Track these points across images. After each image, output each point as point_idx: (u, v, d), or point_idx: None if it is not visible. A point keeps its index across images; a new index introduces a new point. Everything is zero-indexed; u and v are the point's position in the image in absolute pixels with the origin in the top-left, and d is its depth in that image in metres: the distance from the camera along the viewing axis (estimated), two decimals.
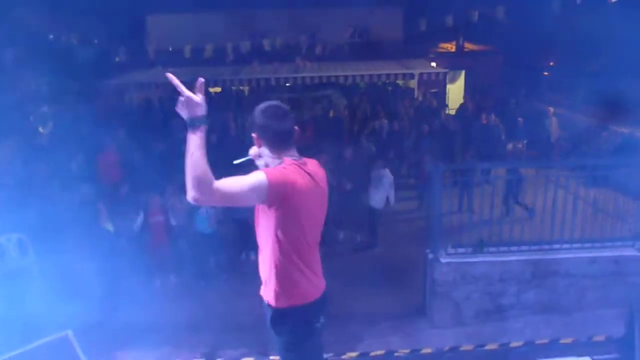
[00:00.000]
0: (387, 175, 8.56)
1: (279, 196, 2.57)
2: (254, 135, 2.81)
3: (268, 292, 2.86)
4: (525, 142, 13.27)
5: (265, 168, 2.74)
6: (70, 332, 4.59)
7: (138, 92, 16.08)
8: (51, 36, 18.18)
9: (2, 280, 7.28)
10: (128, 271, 7.87)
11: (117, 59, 18.58)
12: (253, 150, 2.93)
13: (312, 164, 2.88)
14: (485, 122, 11.55)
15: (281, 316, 2.83)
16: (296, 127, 2.85)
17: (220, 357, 5.77)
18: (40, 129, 14.80)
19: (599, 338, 5.70)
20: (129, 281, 7.57)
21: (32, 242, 7.65)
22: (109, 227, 7.99)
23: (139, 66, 17.49)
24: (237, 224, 8.42)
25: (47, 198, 9.13)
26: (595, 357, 5.30)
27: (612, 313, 5.67)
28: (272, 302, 2.82)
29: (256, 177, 2.55)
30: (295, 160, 2.76)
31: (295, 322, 2.86)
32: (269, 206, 2.60)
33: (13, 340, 5.15)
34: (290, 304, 2.82)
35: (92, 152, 11.38)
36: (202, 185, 2.38)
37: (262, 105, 2.83)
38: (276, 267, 2.76)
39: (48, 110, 16.77)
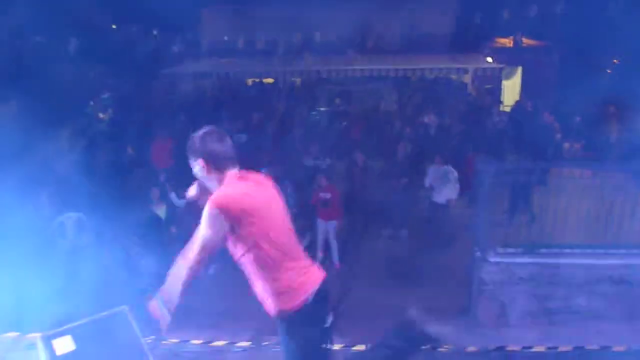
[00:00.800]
0: (452, 171, 8.49)
1: (234, 215, 2.81)
2: (199, 162, 2.99)
3: (270, 308, 3.05)
4: (582, 142, 12.79)
5: (212, 196, 2.92)
6: (126, 308, 4.82)
7: (192, 82, 16.51)
8: (113, 26, 18.91)
9: (62, 258, 7.73)
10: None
11: (173, 49, 19.15)
12: (192, 192, 3.23)
13: (254, 175, 3.12)
14: (539, 120, 11.21)
15: (290, 321, 3.01)
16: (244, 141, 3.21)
17: (267, 342, 5.88)
18: (101, 115, 15.50)
19: None
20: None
21: (89, 223, 8.07)
22: (160, 211, 8.33)
23: (194, 57, 17.93)
24: None
25: (105, 182, 9.62)
26: None
27: None
28: (277, 313, 3.02)
29: (206, 216, 2.80)
30: (240, 174, 3.02)
31: (304, 321, 3.03)
32: (232, 230, 2.83)
33: (71, 315, 5.47)
34: (292, 306, 2.99)
35: (147, 138, 11.85)
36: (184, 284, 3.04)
37: (200, 133, 3.03)
38: (265, 282, 2.96)
39: (108, 97, 17.47)
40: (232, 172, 3.02)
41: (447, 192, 8.51)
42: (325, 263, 8.03)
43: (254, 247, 2.91)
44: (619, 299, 5.96)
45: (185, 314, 6.42)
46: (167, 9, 16.88)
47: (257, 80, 16.94)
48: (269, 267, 2.96)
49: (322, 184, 8.17)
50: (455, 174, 8.51)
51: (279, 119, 13.00)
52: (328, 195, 8.11)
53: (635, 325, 5.84)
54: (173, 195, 8.05)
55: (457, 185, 8.54)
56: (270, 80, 17.21)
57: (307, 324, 3.08)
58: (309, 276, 3.14)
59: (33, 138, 11.40)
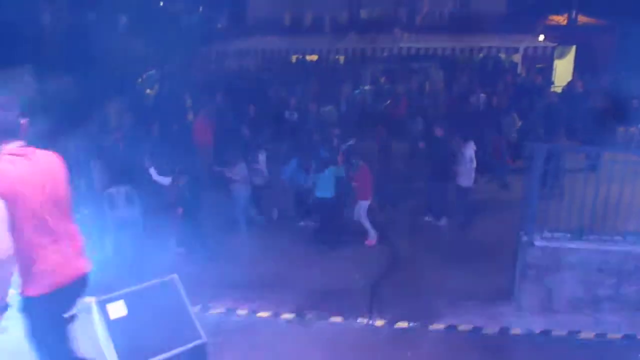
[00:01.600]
0: (469, 149, 8.33)
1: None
2: None
3: (21, 288, 3.04)
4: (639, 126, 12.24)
5: None
6: (175, 276, 4.99)
7: (237, 59, 16.65)
8: (161, 3, 19.18)
9: (112, 228, 8.04)
10: (224, 228, 8.40)
11: (219, 26, 19.32)
12: None
13: (39, 153, 3.07)
14: (591, 102, 10.78)
15: (27, 304, 3.01)
16: (24, 121, 3.05)
17: (311, 315, 5.98)
18: (148, 91, 15.87)
19: None
20: (224, 238, 8.09)
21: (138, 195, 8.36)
22: None
23: (238, 34, 18.03)
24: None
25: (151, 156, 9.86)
26: None
27: None
28: (22, 290, 3.01)
29: None
30: (15, 150, 2.95)
31: (41, 310, 3.03)
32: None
33: (121, 282, 5.71)
34: (41, 291, 2.99)
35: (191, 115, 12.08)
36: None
37: None
38: (22, 260, 2.91)
39: (155, 73, 17.83)
40: (9, 147, 2.96)
41: (466, 174, 8.35)
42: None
43: (16, 223, 2.84)
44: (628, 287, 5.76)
45: (232, 285, 6.67)
46: None
47: (301, 57, 16.92)
48: (27, 246, 2.93)
49: (357, 164, 8.30)
50: (471, 153, 8.28)
51: (322, 97, 12.96)
52: (361, 175, 8.24)
53: None
54: (152, 170, 8.13)
55: (472, 165, 8.30)
56: (314, 57, 17.17)
57: (52, 312, 3.10)
58: (71, 265, 3.15)
59: (84, 112, 11.84)
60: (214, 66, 17.16)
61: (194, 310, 5.20)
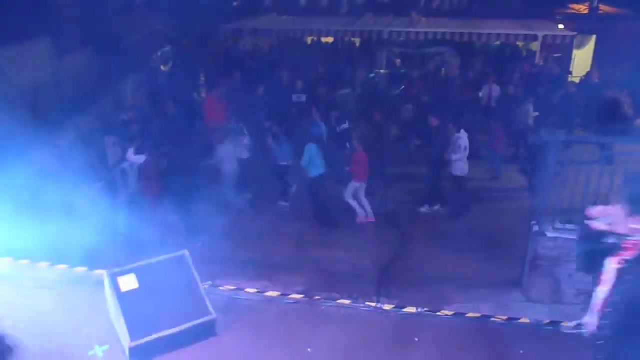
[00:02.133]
0: (461, 138, 8.28)
1: None
2: None
3: None
4: None
5: None
6: (186, 252, 5.06)
7: (252, 38, 16.54)
8: None
9: (124, 203, 8.10)
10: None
11: (234, 4, 19.15)
12: None
13: None
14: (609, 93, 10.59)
15: None
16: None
17: (319, 297, 6.03)
18: (162, 67, 15.84)
19: None
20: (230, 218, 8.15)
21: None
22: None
23: (254, 12, 17.87)
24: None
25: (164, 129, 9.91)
26: None
27: None
28: None
29: None
30: None
31: None
32: None
33: (132, 256, 5.78)
34: None
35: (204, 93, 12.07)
36: None
37: None
38: None
39: (169, 50, 17.76)
40: None
41: (457, 163, 8.34)
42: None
43: None
44: None
45: (242, 264, 6.74)
46: None
47: (317, 39, 16.75)
48: None
49: (355, 147, 8.42)
50: (465, 141, 8.24)
51: (337, 79, 12.86)
52: (359, 158, 8.33)
53: None
54: (130, 152, 8.17)
55: (465, 153, 8.30)
56: (330, 39, 16.99)
57: None
58: None
59: (99, 89, 11.88)
60: (228, 45, 17.08)
61: (204, 286, 5.28)
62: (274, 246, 7.44)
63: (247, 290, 6.04)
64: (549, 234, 5.90)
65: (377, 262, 7.03)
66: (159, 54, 17.89)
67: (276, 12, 17.95)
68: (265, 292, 6.05)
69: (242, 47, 17.10)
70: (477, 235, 7.84)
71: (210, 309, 4.89)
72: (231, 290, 6.00)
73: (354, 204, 8.42)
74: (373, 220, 8.41)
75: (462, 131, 8.48)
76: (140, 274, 5.00)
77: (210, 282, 5.85)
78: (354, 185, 8.38)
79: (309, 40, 16.96)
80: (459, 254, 7.22)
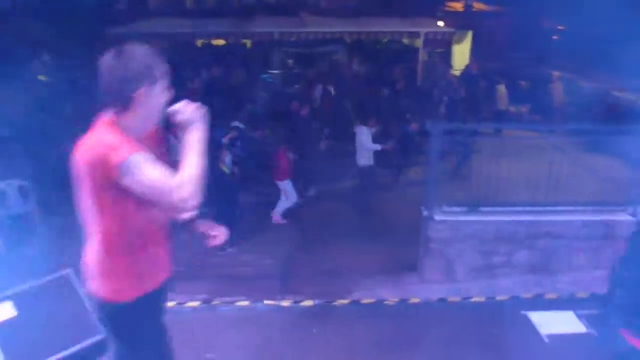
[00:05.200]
0: (364, 132, 8.61)
1: None
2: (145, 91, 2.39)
3: (100, 286, 2.68)
4: (528, 106, 13.20)
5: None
6: (70, 271, 4.69)
7: (139, 43, 15.81)
8: None
9: (3, 225, 7.41)
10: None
11: (118, 8, 18.26)
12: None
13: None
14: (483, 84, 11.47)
15: (120, 312, 2.68)
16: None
17: (217, 301, 5.92)
18: (41, 77, 14.69)
19: (583, 295, 5.86)
20: None
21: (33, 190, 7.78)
22: None
23: (140, 16, 17.14)
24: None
25: (44, 146, 9.23)
26: (578, 311, 5.45)
27: (601, 274, 5.77)
28: (108, 296, 2.65)
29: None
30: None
31: (138, 316, 2.71)
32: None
33: (13, 281, 5.29)
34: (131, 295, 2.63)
35: (89, 102, 11.36)
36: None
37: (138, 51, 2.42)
38: (111, 254, 2.57)
39: (48, 58, 16.56)
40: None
41: (360, 154, 8.69)
42: None
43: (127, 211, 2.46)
44: (558, 253, 6.29)
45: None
46: None
47: (207, 41, 16.42)
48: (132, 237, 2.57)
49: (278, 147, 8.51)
50: (368, 135, 8.62)
51: (230, 82, 12.71)
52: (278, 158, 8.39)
53: (571, 276, 6.21)
54: None
55: (368, 147, 8.65)
56: (221, 41, 16.74)
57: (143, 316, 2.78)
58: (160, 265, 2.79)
59: None
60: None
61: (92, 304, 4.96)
62: (175, 254, 7.16)
63: None
64: (437, 217, 6.23)
65: (280, 261, 7.03)
66: (36, 62, 16.62)
67: (163, 15, 17.35)
68: None
69: None
70: (376, 225, 8.11)
71: (100, 327, 4.58)
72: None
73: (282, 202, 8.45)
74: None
75: (361, 126, 8.75)
76: (18, 300, 4.54)
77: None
78: (283, 184, 8.36)
79: (199, 43, 16.60)
80: (359, 244, 7.42)
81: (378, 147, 8.64)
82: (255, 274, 6.81)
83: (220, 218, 7.65)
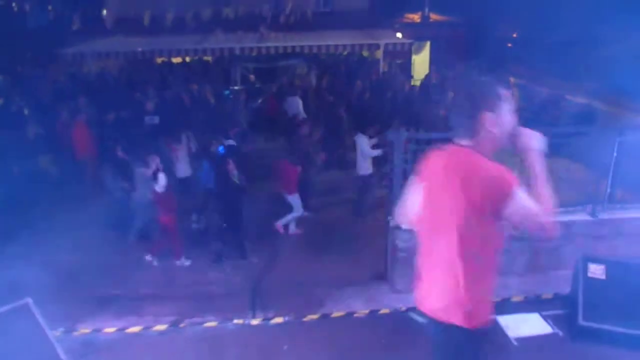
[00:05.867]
0: (363, 141, 8.64)
1: None
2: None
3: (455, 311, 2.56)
4: None
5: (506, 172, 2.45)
6: (29, 300, 4.53)
7: (95, 62, 15.54)
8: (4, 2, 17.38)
9: None
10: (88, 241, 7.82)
11: (73, 27, 17.91)
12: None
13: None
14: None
15: (473, 338, 2.58)
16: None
17: (184, 324, 5.79)
18: None
19: (548, 296, 5.98)
20: (91, 253, 7.52)
21: None
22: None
23: (96, 35, 16.87)
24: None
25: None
26: (543, 312, 5.57)
27: (563, 274, 5.93)
28: (464, 321, 2.55)
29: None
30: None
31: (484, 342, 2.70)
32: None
33: None
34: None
35: (48, 122, 11.06)
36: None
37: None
38: (483, 284, 2.56)
39: (1, 79, 16.08)
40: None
41: (361, 164, 8.72)
42: None
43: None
44: (521, 254, 6.42)
45: (101, 302, 6.23)
46: None
47: (167, 59, 16.26)
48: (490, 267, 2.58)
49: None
50: (367, 144, 8.66)
51: (191, 98, 12.58)
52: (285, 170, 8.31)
53: (536, 277, 6.34)
54: None
55: (368, 154, 8.66)
56: (180, 59, 16.61)
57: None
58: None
59: None
60: (69, 69, 15.88)
61: (55, 334, 4.78)
62: (142, 277, 7.00)
63: (106, 330, 5.59)
64: (404, 226, 6.27)
65: (249, 278, 6.94)
66: None
67: (122, 33, 17.12)
68: (126, 328, 5.64)
69: (86, 71, 15.99)
70: (345, 236, 8.12)
71: (63, 357, 4.42)
72: (88, 332, 5.51)
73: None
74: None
75: (360, 134, 8.80)
76: None
77: (62, 329, 5.31)
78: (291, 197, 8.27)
79: (159, 60, 16.42)
80: (329, 257, 7.41)
81: (379, 152, 8.62)
82: (224, 292, 6.69)
83: (229, 228, 7.49)
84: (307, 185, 8.90)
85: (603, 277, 4.96)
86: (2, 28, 13.94)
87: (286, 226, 8.44)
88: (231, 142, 9.06)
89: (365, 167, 8.76)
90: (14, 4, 17.66)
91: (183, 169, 8.91)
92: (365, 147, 8.62)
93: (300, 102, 12.41)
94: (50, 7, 17.92)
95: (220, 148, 8.54)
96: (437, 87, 13.00)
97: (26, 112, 11.23)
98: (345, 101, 12.14)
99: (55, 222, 8.46)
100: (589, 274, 5.05)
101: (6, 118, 10.92)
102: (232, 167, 7.50)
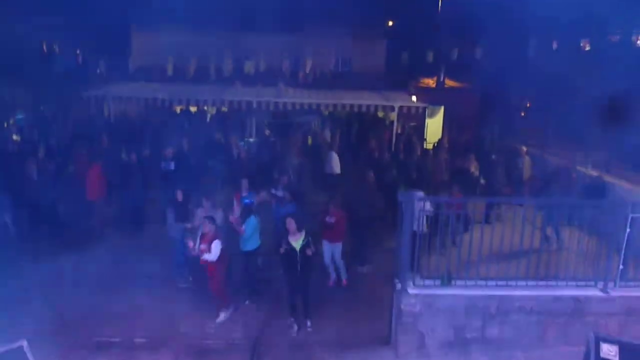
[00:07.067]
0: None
1: None
2: None
3: None
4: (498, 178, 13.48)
5: None
6: (25, 343, 4.45)
7: (117, 105, 15.94)
8: (33, 43, 18.07)
9: None
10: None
11: (98, 71, 18.54)
12: None
13: None
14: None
15: None
16: None
17: None
18: (14, 137, 14.56)
19: None
20: (88, 299, 7.43)
21: None
22: None
23: (120, 79, 17.41)
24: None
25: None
26: None
27: (572, 351, 5.74)
28: None
29: None
30: None
31: None
32: None
33: None
34: None
35: (67, 162, 11.28)
36: None
37: None
38: None
39: (24, 117, 16.52)
40: None
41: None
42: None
43: None
44: (529, 328, 6.25)
45: (96, 348, 6.10)
46: (94, 29, 16.43)
47: (185, 107, 16.65)
48: None
49: (329, 209, 8.20)
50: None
51: (207, 147, 12.80)
52: (333, 220, 8.12)
53: (544, 353, 6.14)
54: None
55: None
56: (197, 108, 17.00)
57: None
58: None
59: None
60: (91, 111, 16.30)
61: None
62: (139, 324, 6.88)
63: None
64: (410, 291, 6.18)
65: (248, 333, 6.79)
66: (11, 121, 16.56)
67: (143, 79, 17.65)
68: None
69: (107, 114, 16.37)
70: (348, 297, 7.97)
71: None
72: None
73: (341, 264, 8.31)
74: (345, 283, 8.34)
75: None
76: None
77: None
78: (336, 246, 8.20)
79: (178, 109, 16.82)
80: (331, 317, 7.25)
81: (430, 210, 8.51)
82: (222, 345, 6.54)
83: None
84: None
85: (616, 358, 4.78)
86: (31, 68, 14.42)
87: None
88: (276, 191, 9.06)
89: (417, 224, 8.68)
90: (44, 46, 18.39)
91: None
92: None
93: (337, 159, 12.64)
94: (78, 51, 18.62)
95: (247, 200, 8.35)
96: (449, 152, 13.11)
97: (41, 151, 11.42)
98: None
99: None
100: (602, 354, 4.87)
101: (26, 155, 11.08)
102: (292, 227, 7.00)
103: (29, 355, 4.39)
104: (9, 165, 10.36)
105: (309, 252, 6.80)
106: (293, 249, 6.80)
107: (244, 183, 8.68)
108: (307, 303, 7.09)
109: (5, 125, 16.02)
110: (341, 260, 8.36)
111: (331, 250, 8.27)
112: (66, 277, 7.96)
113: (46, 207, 9.56)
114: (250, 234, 7.56)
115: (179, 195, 8.26)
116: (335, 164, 12.78)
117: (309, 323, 7.02)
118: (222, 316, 7.19)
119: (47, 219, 9.59)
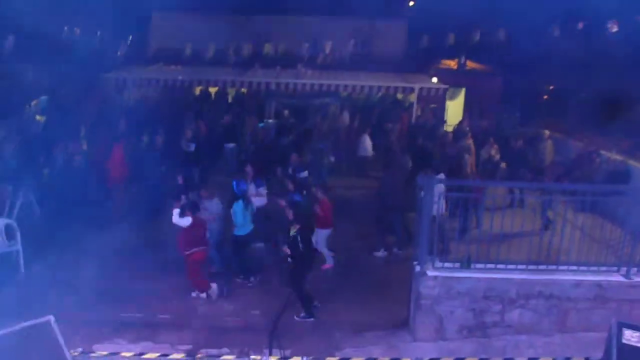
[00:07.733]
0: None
1: None
2: None
3: None
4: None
5: None
6: (52, 318, 4.56)
7: (137, 88, 16.04)
8: (55, 26, 18.18)
9: None
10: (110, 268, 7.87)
11: (118, 53, 18.62)
12: None
13: None
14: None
15: None
16: None
17: (200, 354, 5.73)
18: (38, 117, 14.78)
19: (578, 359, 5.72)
20: (111, 279, 7.56)
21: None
22: None
23: (139, 62, 17.48)
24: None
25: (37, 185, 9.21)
26: None
27: (593, 336, 5.69)
28: None
29: None
30: None
31: None
32: None
33: None
34: None
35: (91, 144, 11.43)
36: None
37: None
38: None
39: (46, 99, 16.70)
40: None
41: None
42: None
43: None
44: (550, 313, 6.20)
45: (120, 326, 6.23)
46: (114, 11, 16.47)
47: (205, 88, 16.69)
48: None
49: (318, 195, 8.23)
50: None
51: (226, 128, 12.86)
52: (317, 207, 8.14)
53: (564, 338, 6.09)
54: None
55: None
56: (216, 89, 17.02)
57: None
58: None
59: None
60: (111, 93, 16.42)
61: (72, 354, 4.79)
62: (160, 304, 6.99)
63: (124, 353, 5.56)
64: (430, 273, 6.16)
65: (267, 313, 6.85)
66: (34, 103, 16.75)
67: (163, 62, 17.70)
68: (144, 353, 5.61)
69: (127, 97, 16.47)
70: (367, 279, 7.97)
71: None
72: (105, 355, 5.49)
73: (324, 250, 8.27)
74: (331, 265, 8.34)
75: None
76: None
77: (80, 349, 5.31)
78: (321, 232, 8.17)
79: (198, 90, 16.86)
80: (350, 299, 7.26)
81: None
82: (242, 325, 6.62)
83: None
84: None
85: (639, 344, 4.73)
86: (52, 51, 14.52)
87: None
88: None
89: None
90: (65, 28, 18.47)
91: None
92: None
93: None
94: (99, 34, 18.67)
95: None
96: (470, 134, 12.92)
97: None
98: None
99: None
100: (624, 340, 4.82)
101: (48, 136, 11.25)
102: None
103: (56, 329, 4.50)
104: (33, 146, 10.52)
105: (286, 250, 6.95)
106: (293, 237, 6.93)
107: (249, 169, 8.78)
108: (299, 296, 6.92)
109: (28, 107, 16.24)
110: (324, 248, 8.30)
111: (325, 235, 8.26)
112: (89, 256, 8.07)
113: (70, 188, 9.68)
114: (241, 220, 7.66)
115: (180, 180, 8.57)
116: (368, 146, 12.73)
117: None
118: (195, 295, 7.27)
119: (71, 200, 9.72)
